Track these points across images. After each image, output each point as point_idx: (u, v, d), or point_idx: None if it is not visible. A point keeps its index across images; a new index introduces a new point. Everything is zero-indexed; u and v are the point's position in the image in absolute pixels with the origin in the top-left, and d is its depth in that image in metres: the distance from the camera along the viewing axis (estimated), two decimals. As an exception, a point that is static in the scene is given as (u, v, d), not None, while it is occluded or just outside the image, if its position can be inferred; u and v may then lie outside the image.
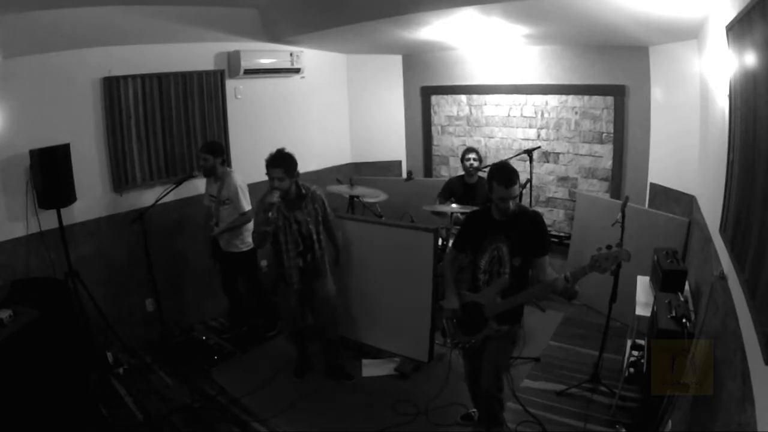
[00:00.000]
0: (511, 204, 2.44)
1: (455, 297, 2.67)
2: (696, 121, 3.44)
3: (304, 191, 3.24)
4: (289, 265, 3.23)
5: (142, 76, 3.87)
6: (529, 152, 4.39)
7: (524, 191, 4.37)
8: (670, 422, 2.46)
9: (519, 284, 2.51)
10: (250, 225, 3.94)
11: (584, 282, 2.40)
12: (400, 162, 5.86)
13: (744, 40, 1.76)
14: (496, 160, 4.55)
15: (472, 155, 4.34)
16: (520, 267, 2.49)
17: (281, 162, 3.09)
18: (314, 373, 3.62)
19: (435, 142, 5.62)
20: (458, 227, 4.03)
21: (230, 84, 4.47)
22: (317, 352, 3.66)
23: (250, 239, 3.94)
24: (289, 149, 3.17)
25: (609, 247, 2.21)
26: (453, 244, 2.80)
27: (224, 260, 4.03)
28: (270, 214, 3.07)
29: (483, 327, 2.58)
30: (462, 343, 2.72)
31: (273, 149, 3.15)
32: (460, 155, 4.54)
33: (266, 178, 3.10)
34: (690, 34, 3.36)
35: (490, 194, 2.47)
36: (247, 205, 3.84)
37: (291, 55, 4.72)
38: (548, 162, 4.86)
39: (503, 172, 2.43)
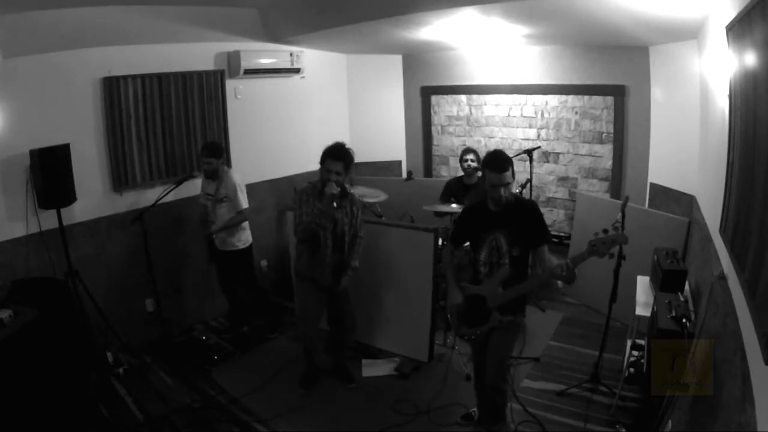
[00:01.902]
0: (503, 191, 2.44)
1: (457, 291, 2.67)
2: (696, 121, 3.44)
3: (345, 192, 3.17)
4: (326, 261, 3.16)
5: (142, 76, 3.87)
6: (529, 152, 4.40)
7: (524, 191, 4.37)
8: (670, 422, 2.46)
9: (519, 274, 2.53)
10: (246, 224, 3.94)
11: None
12: (400, 162, 5.86)
13: (744, 40, 1.76)
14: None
15: (470, 156, 4.32)
16: (519, 257, 2.51)
17: (343, 156, 3.02)
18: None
19: (435, 142, 5.62)
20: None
21: (230, 84, 4.47)
22: (320, 351, 3.64)
23: (246, 237, 3.95)
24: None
25: (606, 231, 2.29)
26: (450, 238, 2.81)
27: (220, 259, 4.02)
28: (334, 204, 2.99)
29: (487, 318, 2.59)
30: (467, 335, 2.73)
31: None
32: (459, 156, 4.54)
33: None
34: (690, 34, 3.36)
35: (484, 183, 2.50)
36: (245, 203, 3.82)
37: (291, 55, 4.72)
38: (548, 162, 4.86)
39: (494, 158, 2.46)
